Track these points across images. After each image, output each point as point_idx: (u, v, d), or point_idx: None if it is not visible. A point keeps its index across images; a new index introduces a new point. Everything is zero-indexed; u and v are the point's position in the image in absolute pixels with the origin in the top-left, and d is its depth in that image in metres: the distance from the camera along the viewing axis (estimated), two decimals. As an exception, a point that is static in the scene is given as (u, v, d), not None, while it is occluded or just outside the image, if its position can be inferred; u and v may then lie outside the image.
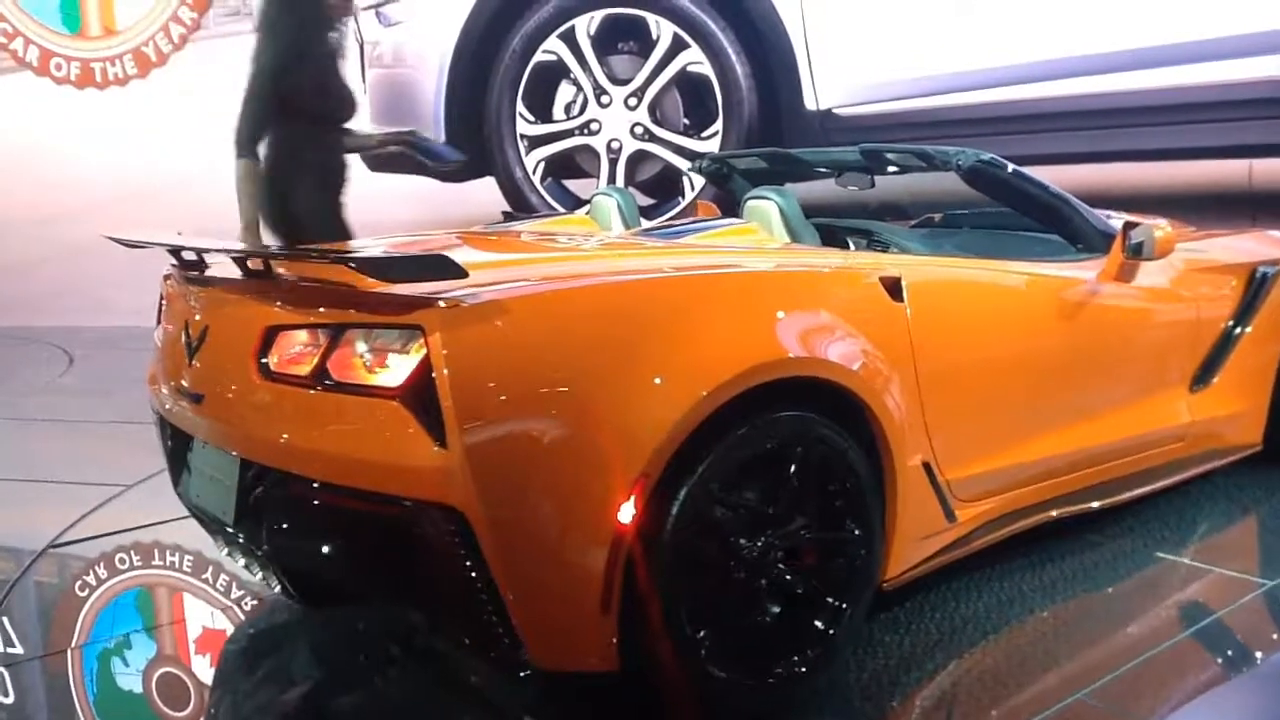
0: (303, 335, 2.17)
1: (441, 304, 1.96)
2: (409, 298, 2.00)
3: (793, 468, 2.26)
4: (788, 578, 2.27)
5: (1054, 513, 3.05)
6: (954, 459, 2.67)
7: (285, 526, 2.22)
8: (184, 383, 2.45)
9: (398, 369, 1.98)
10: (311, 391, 2.09)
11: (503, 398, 1.97)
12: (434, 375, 1.93)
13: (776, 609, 2.27)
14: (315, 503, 2.11)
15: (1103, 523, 3.28)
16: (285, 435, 2.12)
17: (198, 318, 2.45)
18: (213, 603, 3.06)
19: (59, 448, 4.87)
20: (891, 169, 3.60)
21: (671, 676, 2.12)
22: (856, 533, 2.36)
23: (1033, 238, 3.51)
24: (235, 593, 3.10)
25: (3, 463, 4.52)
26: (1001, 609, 2.77)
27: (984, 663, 2.51)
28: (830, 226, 3.40)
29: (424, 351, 1.95)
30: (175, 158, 7.61)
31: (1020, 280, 3.01)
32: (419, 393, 1.94)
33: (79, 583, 3.21)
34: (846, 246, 3.28)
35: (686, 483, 2.07)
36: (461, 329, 1.96)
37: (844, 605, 2.35)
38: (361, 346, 2.06)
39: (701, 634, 2.14)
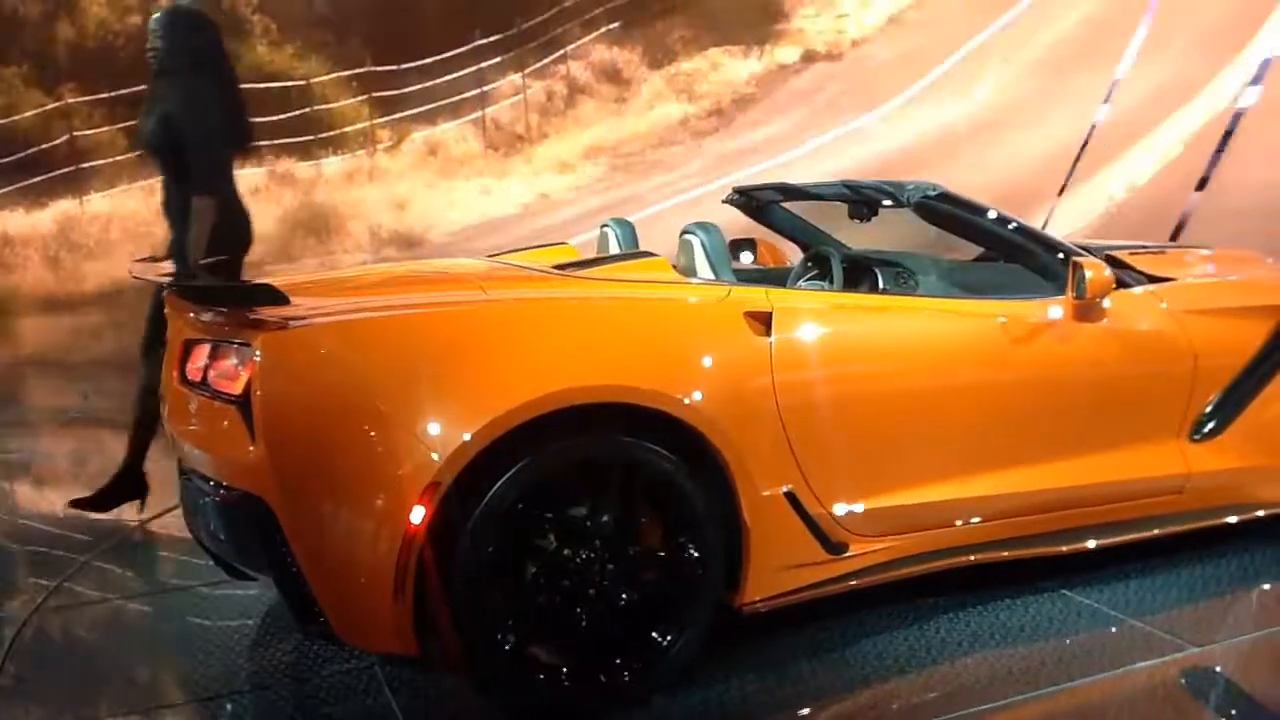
0: (204, 349, 2.60)
1: (266, 326, 2.38)
2: (251, 319, 2.41)
3: (612, 487, 2.43)
4: (617, 589, 2.43)
5: (1004, 553, 2.96)
6: (837, 492, 2.72)
7: (190, 509, 2.76)
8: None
9: (241, 379, 2.40)
10: (198, 396, 2.58)
11: (306, 406, 2.36)
12: (252, 385, 2.33)
13: (607, 615, 2.44)
14: (199, 489, 2.60)
15: (1082, 572, 3.16)
16: (186, 431, 2.64)
17: (168, 332, 2.93)
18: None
19: (76, 480, 4.94)
20: (886, 202, 3.46)
21: (462, 665, 2.37)
22: (692, 553, 2.48)
23: None
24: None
25: (23, 495, 4.65)
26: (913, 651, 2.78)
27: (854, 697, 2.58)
28: (863, 258, 3.42)
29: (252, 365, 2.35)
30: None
31: (939, 319, 2.97)
32: (248, 399, 2.36)
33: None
34: (875, 278, 3.28)
35: (486, 492, 2.30)
36: (278, 347, 2.37)
37: (676, 619, 2.50)
38: (234, 360, 2.46)
39: (506, 631, 2.36)
